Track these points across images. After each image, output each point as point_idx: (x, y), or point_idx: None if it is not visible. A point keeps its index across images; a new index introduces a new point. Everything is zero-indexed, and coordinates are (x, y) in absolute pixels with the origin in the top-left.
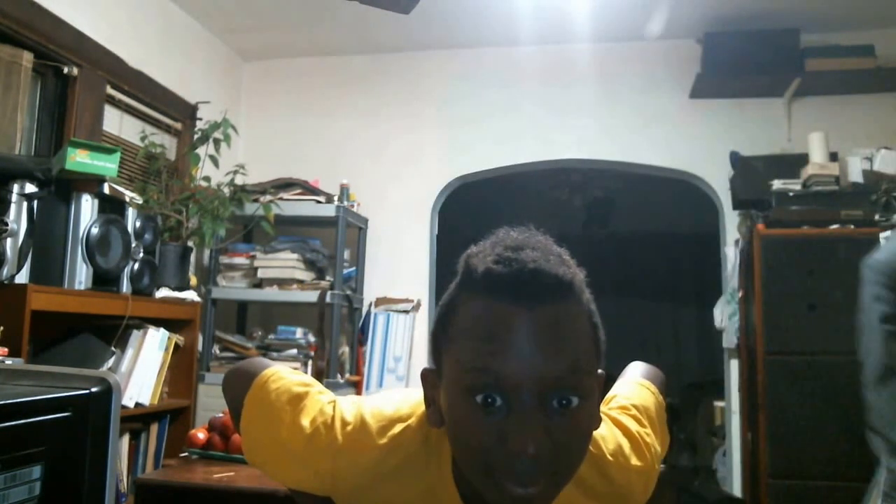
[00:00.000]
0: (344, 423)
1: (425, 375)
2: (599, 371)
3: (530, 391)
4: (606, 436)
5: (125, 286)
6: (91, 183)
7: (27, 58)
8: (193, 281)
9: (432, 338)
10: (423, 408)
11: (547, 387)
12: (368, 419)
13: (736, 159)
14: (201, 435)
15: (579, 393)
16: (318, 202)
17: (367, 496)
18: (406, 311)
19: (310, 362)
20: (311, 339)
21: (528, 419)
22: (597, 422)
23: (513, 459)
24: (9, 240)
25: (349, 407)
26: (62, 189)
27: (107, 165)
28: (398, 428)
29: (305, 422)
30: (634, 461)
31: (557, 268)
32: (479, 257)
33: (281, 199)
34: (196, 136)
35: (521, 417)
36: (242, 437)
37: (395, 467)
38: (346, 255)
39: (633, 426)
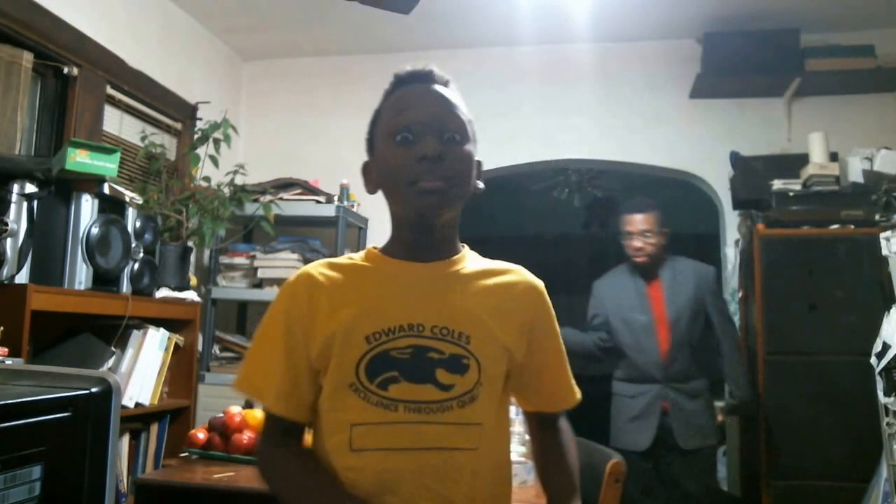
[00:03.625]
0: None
1: (364, 165)
2: (477, 159)
3: (429, 127)
4: None
5: (125, 286)
6: (91, 183)
7: (27, 58)
8: (193, 281)
9: (368, 137)
10: None
11: (439, 125)
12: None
13: (736, 159)
14: (201, 435)
15: (460, 133)
16: (318, 202)
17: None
18: None
19: None
20: None
21: (429, 139)
22: (474, 164)
23: (421, 163)
24: (9, 240)
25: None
26: (62, 189)
27: (107, 165)
28: None
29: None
30: None
31: (441, 72)
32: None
33: (281, 199)
34: (196, 136)
35: (424, 139)
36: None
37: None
38: None
39: None
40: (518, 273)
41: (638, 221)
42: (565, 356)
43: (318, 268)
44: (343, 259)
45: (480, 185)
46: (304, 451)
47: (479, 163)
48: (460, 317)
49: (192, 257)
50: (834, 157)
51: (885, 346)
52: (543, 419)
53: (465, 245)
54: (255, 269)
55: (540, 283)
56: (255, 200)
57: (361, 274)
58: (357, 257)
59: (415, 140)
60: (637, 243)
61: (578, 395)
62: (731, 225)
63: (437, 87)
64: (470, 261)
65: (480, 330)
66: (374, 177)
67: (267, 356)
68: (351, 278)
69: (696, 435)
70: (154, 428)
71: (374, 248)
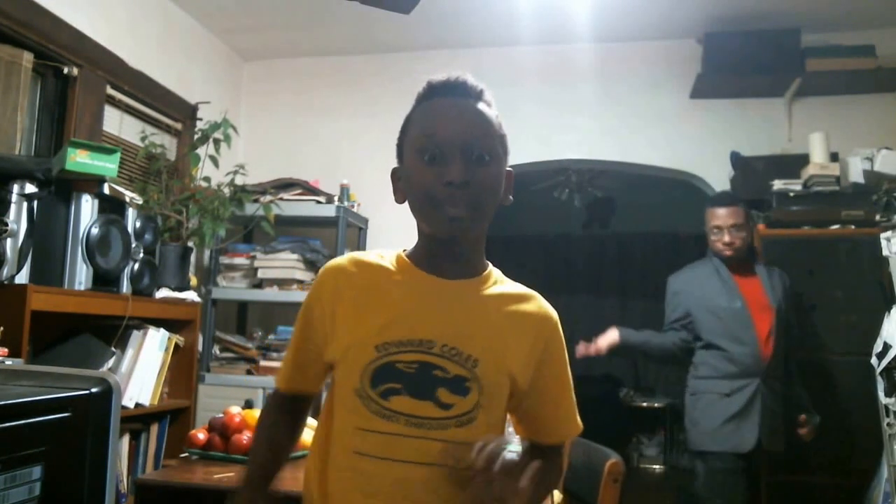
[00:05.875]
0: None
1: (393, 171)
2: (508, 168)
3: (457, 147)
4: None
5: (125, 286)
6: (91, 183)
7: (27, 58)
8: (193, 281)
9: (398, 143)
10: None
11: (468, 145)
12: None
13: (736, 159)
14: (201, 435)
15: (490, 154)
16: (319, 202)
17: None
18: None
19: None
20: None
21: (457, 162)
22: (503, 182)
23: (447, 187)
24: (9, 240)
25: None
26: (62, 189)
27: (107, 165)
28: None
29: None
30: None
31: (475, 82)
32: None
33: (281, 199)
34: (196, 137)
35: (452, 162)
36: None
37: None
38: None
39: None
40: (535, 302)
41: (726, 215)
42: (571, 387)
43: (346, 265)
44: (373, 258)
45: (510, 197)
46: (284, 423)
47: (510, 174)
48: (472, 340)
49: (192, 257)
50: (834, 157)
51: (886, 347)
52: (536, 448)
53: (490, 263)
54: (256, 269)
55: (555, 314)
56: (255, 201)
57: (388, 281)
58: (387, 259)
59: (442, 160)
60: (727, 238)
61: (580, 426)
62: None
63: (470, 102)
64: (492, 282)
65: (489, 356)
66: (401, 186)
67: (288, 348)
68: (377, 284)
69: (777, 437)
70: (154, 428)
71: (404, 251)
